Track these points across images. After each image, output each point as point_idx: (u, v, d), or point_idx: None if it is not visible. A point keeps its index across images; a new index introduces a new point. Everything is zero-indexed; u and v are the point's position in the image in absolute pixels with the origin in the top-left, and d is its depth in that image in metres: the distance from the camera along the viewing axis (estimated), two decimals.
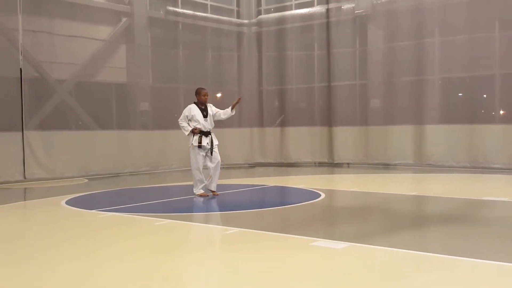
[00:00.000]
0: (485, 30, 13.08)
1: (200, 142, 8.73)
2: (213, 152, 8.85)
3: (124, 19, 13.96)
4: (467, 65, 13.25)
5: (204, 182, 8.99)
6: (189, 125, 8.79)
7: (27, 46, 11.98)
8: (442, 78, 13.82)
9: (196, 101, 8.94)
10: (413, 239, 5.65)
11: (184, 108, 9.00)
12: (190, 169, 9.02)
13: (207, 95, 9.00)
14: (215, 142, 8.91)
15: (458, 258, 4.63)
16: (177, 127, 9.06)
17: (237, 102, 8.93)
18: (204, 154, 8.86)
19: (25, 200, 9.78)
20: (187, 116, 8.84)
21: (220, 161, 8.99)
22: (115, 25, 13.87)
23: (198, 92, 8.96)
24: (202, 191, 8.94)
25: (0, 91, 11.62)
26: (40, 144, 12.06)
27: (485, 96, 13.47)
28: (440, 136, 13.56)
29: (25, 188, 11.04)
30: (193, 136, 8.76)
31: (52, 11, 12.44)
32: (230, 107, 8.97)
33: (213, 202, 8.55)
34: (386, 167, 14.25)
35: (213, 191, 8.98)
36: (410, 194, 9.15)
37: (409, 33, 14.01)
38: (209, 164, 8.90)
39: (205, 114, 8.85)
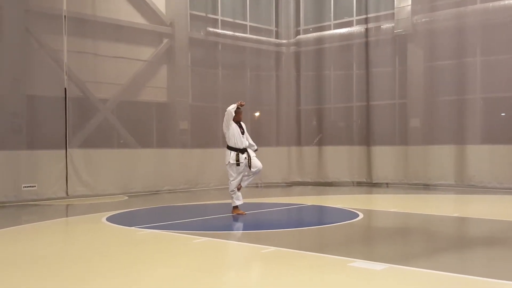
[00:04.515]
0: None
1: (238, 160, 8.78)
2: (252, 161, 8.76)
3: (165, 40, 14.27)
4: (510, 85, 12.98)
5: (241, 199, 9.03)
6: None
7: (71, 66, 12.35)
8: (484, 98, 13.55)
9: None
10: (454, 262, 5.53)
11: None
12: (228, 188, 9.05)
13: (241, 113, 9.03)
14: (252, 154, 8.89)
15: (502, 282, 4.51)
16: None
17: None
18: (243, 169, 8.88)
19: (67, 217, 10.01)
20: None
21: (261, 168, 8.92)
22: (157, 46, 14.19)
23: None
24: (240, 210, 8.98)
25: (45, 110, 11.99)
26: (82, 162, 12.34)
27: None
28: (482, 156, 13.26)
29: (68, 205, 11.29)
30: (230, 153, 8.79)
31: (96, 32, 12.81)
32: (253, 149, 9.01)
33: (250, 221, 8.56)
34: (426, 187, 13.99)
35: (239, 187, 8.93)
36: (452, 216, 8.95)
37: (450, 52, 13.81)
38: (251, 170, 8.85)
39: (242, 131, 8.93)
